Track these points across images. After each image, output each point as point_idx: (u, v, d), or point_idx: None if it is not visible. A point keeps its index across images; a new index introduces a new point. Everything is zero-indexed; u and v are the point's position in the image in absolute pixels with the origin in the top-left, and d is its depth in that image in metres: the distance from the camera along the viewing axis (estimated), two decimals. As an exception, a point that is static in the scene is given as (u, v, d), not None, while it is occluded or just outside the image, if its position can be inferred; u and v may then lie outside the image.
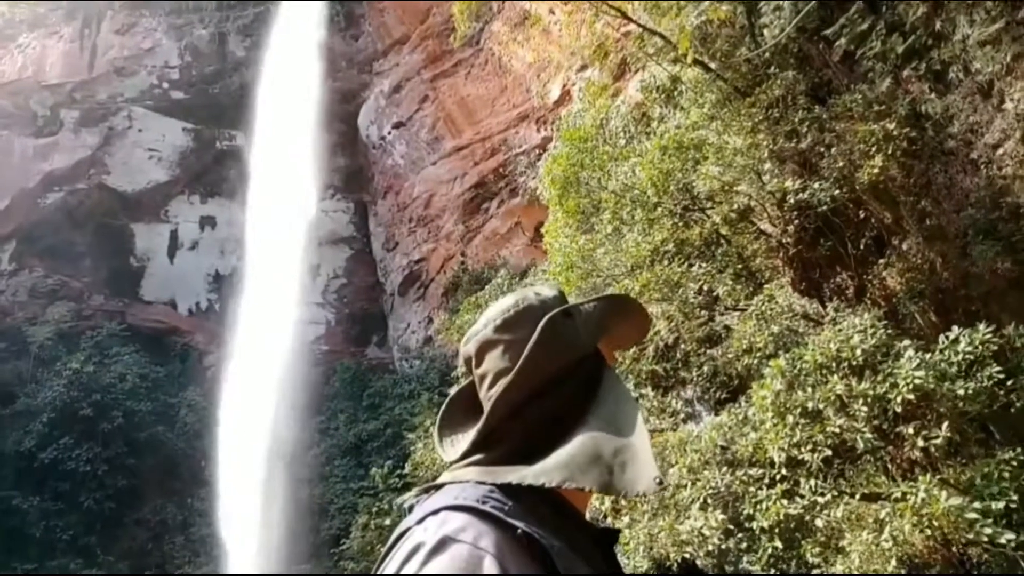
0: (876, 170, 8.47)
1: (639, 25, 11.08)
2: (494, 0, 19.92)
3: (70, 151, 30.92)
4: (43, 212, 29.94)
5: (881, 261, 9.66)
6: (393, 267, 31.38)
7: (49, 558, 21.81)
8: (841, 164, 8.94)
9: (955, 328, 7.34)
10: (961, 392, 7.18)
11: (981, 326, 7.11)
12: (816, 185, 8.70)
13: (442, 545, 0.98)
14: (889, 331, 7.68)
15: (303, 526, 21.99)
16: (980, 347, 7.15)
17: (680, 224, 10.34)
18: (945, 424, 6.85)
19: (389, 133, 30.91)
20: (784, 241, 9.80)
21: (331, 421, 26.89)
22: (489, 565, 0.95)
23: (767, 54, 9.94)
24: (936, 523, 5.98)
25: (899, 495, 6.52)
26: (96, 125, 31.62)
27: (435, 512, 1.06)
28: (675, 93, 11.97)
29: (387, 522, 20.15)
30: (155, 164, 31.99)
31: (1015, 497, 6.68)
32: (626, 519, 8.45)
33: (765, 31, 10.19)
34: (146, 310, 30.56)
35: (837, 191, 8.77)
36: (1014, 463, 6.78)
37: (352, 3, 32.43)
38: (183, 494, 23.52)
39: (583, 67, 17.57)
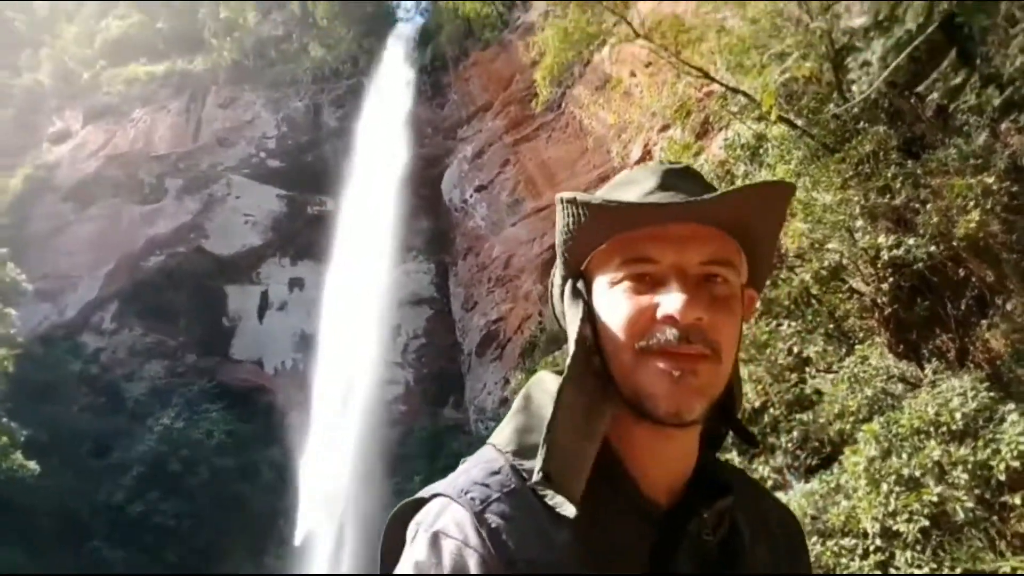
0: (974, 225, 8.10)
1: (722, 84, 11.09)
2: (576, 66, 20.37)
3: (173, 217, 32.86)
4: (144, 274, 31.68)
5: (984, 322, 9.13)
6: (471, 327, 31.63)
7: (133, 611, 22.28)
8: (937, 220, 8.58)
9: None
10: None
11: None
12: (911, 241, 8.36)
13: (434, 541, 0.93)
14: (992, 394, 7.25)
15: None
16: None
17: (767, 283, 10.06)
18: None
19: (471, 196, 31.65)
20: (879, 300, 9.39)
21: (406, 483, 26.82)
22: (475, 566, 0.89)
23: (856, 109, 9.75)
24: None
25: (1008, 570, 6.04)
26: (198, 192, 33.59)
27: (433, 496, 1.01)
28: (760, 151, 11.83)
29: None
30: (250, 229, 33.61)
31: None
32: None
33: (853, 87, 10.01)
34: (235, 368, 31.64)
35: (933, 247, 8.41)
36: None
37: (439, 73, 33.85)
38: (263, 552, 23.78)
39: (664, 127, 17.63)
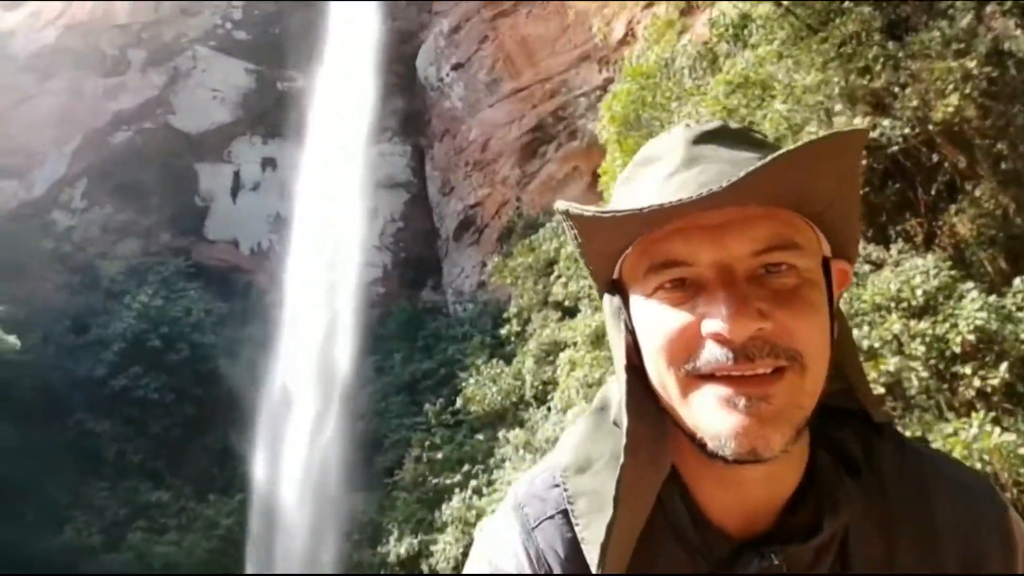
0: (951, 109, 8.18)
1: (708, -43, 10.73)
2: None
3: (137, 91, 31.64)
4: (112, 151, 30.81)
5: (952, 207, 9.37)
6: (448, 212, 31.56)
7: (121, 478, 23.13)
8: (915, 103, 8.64)
9: (1028, 273, 7.18)
10: (1024, 335, 7.07)
11: (1063, 270, 6.94)
12: (887, 123, 8.43)
13: (487, 553, 0.92)
14: (954, 273, 7.55)
15: (358, 457, 22.83)
16: (1057, 292, 7.02)
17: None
18: (1004, 365, 6.78)
19: (447, 75, 30.75)
20: (851, 183, 9.55)
21: (386, 360, 27.58)
22: None
23: (842, -12, 9.55)
24: (987, 458, 5.96)
25: (951, 431, 6.51)
26: (162, 65, 32.22)
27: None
28: (744, 31, 11.62)
29: (439, 455, 20.80)
30: (218, 105, 32.56)
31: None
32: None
33: (841, -36, 9.76)
34: (210, 248, 31.49)
35: (908, 130, 8.50)
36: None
37: (413, -62, 32.06)
38: (245, 424, 24.56)
39: (648, 3, 17.13)
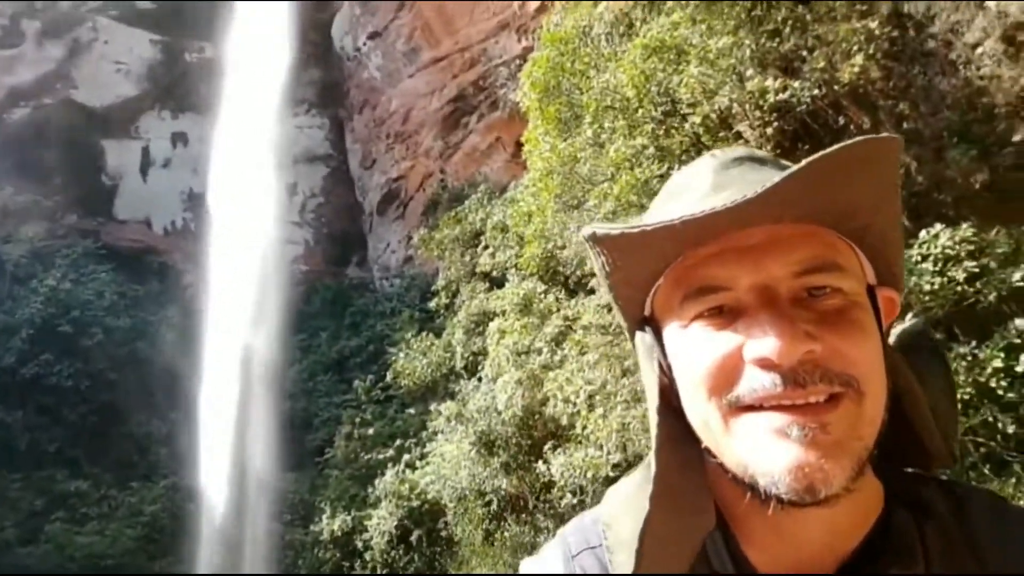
0: (857, 69, 8.47)
1: (622, -78, 10.76)
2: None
3: (34, 64, 29.99)
4: (10, 128, 29.19)
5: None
6: (371, 185, 31.07)
7: (36, 469, 22.23)
8: (822, 65, 8.92)
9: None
10: (928, 287, 7.45)
11: (964, 224, 7.30)
12: (796, 84, 8.69)
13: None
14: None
15: (287, 437, 22.49)
16: (959, 245, 7.37)
17: (661, 131, 10.31)
18: (908, 316, 7.07)
19: (364, 44, 30.07)
20: (762, 145, 9.83)
21: (313, 339, 27.19)
22: None
23: (752, -48, 9.72)
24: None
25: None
26: (60, 37, 30.53)
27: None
28: (658, -3, 11.73)
29: (370, 432, 20.71)
30: (123, 78, 31.10)
31: (970, 390, 7.02)
32: (599, 410, 8.73)
33: (749, -74, 9.93)
34: (121, 229, 30.27)
35: (817, 91, 8.77)
36: (968, 358, 7.11)
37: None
38: (166, 408, 23.90)
39: (564, -30, 17.06)
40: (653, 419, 0.79)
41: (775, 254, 0.72)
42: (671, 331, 0.79)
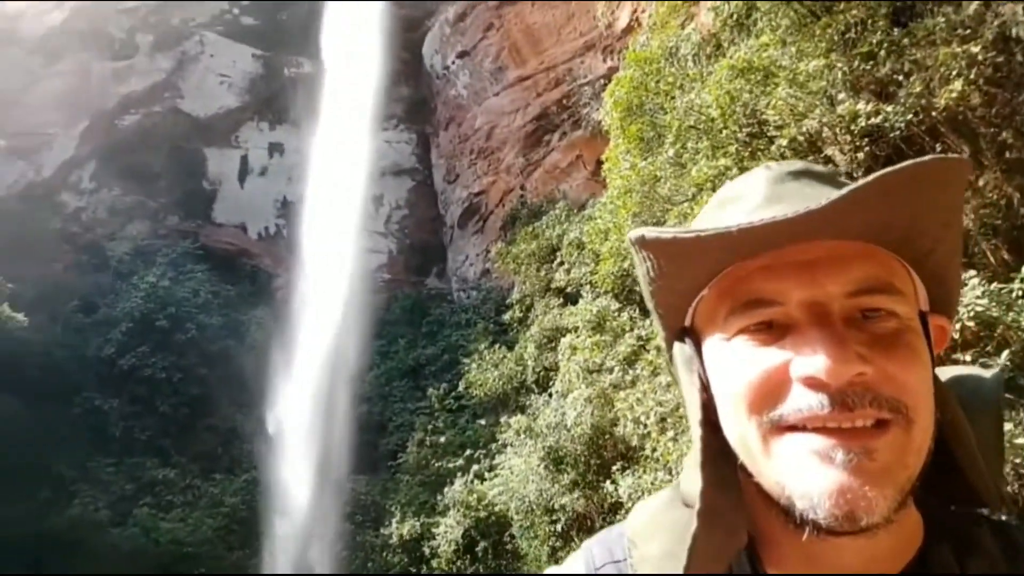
0: (955, 95, 8.18)
1: (713, -57, 10.74)
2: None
3: (145, 75, 31.83)
4: (120, 134, 31.01)
5: (955, 199, 9.37)
6: (453, 199, 31.64)
7: (128, 455, 23.32)
8: (918, 90, 8.65)
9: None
10: (1026, 322, 7.09)
11: (1066, 259, 6.96)
12: (890, 109, 8.45)
13: None
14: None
15: (362, 440, 23.02)
16: (1060, 281, 7.02)
17: (746, 153, 10.19)
18: (1005, 353, 6.72)
19: (453, 63, 30.79)
20: (852, 170, 9.59)
21: (391, 345, 27.77)
22: None
23: (847, -26, 9.54)
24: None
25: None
26: (170, 49, 32.41)
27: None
28: (748, 18, 11.63)
29: (442, 440, 20.97)
30: (226, 90, 32.73)
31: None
32: (670, 433, 8.58)
33: (846, -49, 9.75)
34: (218, 232, 31.72)
35: (912, 116, 8.51)
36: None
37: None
38: (251, 405, 24.75)
39: (654, -10, 17.11)
40: (696, 433, 0.76)
41: (831, 271, 0.70)
42: (713, 343, 0.76)
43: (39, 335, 22.94)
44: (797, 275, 0.70)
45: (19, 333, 21.36)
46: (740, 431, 0.72)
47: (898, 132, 8.75)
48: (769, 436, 0.69)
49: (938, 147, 9.49)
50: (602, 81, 22.82)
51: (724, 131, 9.92)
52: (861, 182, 0.64)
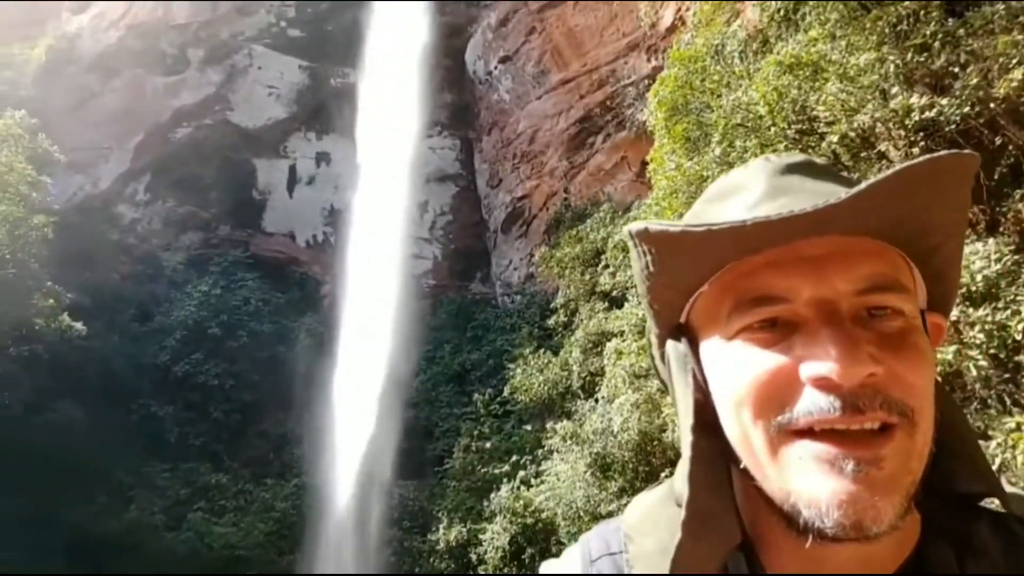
0: (1016, 84, 7.83)
1: (758, -62, 10.53)
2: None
3: (196, 88, 32.67)
4: (173, 146, 31.90)
5: (1017, 192, 9.00)
6: (496, 204, 31.68)
7: (183, 460, 23.93)
8: (975, 81, 8.31)
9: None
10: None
11: None
12: (945, 102, 8.14)
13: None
14: (1017, 258, 7.21)
15: (409, 445, 23.17)
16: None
17: (796, 150, 9.94)
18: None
19: (495, 68, 30.87)
20: (907, 166, 9.26)
21: (437, 351, 27.92)
22: None
23: (898, -35, 9.24)
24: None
25: (1014, 425, 6.23)
26: (220, 63, 33.23)
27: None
28: (796, 14, 11.36)
29: (488, 445, 20.95)
30: (274, 101, 33.40)
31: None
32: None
33: (897, -60, 9.45)
34: (268, 241, 32.36)
35: (968, 109, 8.18)
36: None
37: (461, -64, 32.27)
38: (301, 411, 25.15)
39: (697, -12, 16.88)
40: (686, 437, 0.75)
41: (840, 268, 0.68)
42: (712, 342, 0.74)
43: (97, 343, 23.67)
44: (806, 272, 0.68)
45: (78, 341, 22.08)
46: (744, 434, 0.70)
47: (954, 125, 8.43)
48: (776, 441, 0.67)
49: (997, 140, 9.13)
50: (646, 81, 22.58)
51: (772, 128, 9.68)
52: (880, 176, 0.62)
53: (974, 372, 6.71)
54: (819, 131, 9.87)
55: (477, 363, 26.01)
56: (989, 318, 6.73)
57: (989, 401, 6.93)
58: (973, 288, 7.00)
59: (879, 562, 0.72)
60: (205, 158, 31.80)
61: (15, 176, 21.01)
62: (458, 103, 33.80)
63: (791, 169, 0.75)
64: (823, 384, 0.65)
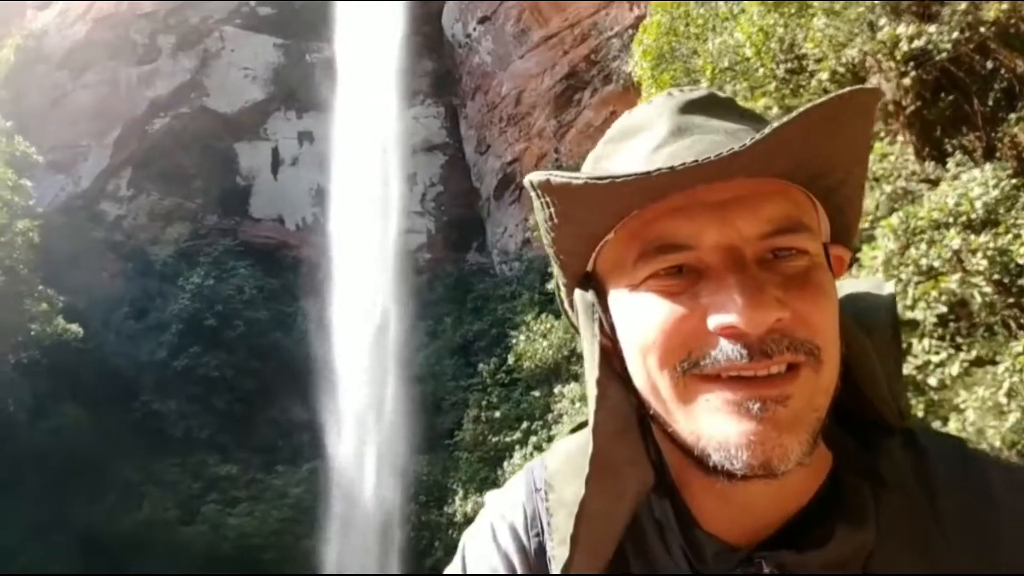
0: (1006, 5, 7.58)
1: None
2: None
3: (170, 77, 32.01)
4: (152, 138, 31.37)
5: (1012, 116, 8.79)
6: (487, 170, 31.28)
7: (190, 455, 23.95)
8: (964, 6, 8.05)
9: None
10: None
11: None
12: (933, 29, 7.88)
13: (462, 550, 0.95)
14: (1015, 182, 7.07)
15: (418, 420, 23.19)
16: None
17: (787, 90, 9.70)
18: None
19: (474, 30, 30.21)
20: (901, 97, 9.02)
21: (438, 324, 27.85)
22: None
23: None
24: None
25: (1020, 349, 6.15)
26: (192, 48, 32.51)
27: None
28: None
29: (497, 415, 20.96)
30: (250, 83, 32.76)
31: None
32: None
33: None
34: (256, 227, 32.01)
35: (959, 34, 7.93)
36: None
37: None
38: (306, 395, 25.14)
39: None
40: (592, 389, 0.74)
41: (745, 212, 0.67)
42: (619, 291, 0.73)
43: (94, 344, 23.56)
44: (710, 217, 0.67)
45: (75, 344, 21.98)
46: (651, 382, 0.70)
47: (945, 53, 8.19)
48: (684, 387, 0.68)
49: (989, 64, 8.89)
50: (630, 32, 22.06)
51: (761, 70, 9.43)
52: (785, 120, 0.61)
53: (979, 299, 6.64)
54: (808, 69, 9.61)
55: (479, 333, 25.92)
56: (991, 244, 6.65)
57: (996, 327, 6.87)
58: (973, 215, 6.91)
59: (790, 495, 0.74)
60: (185, 147, 31.30)
61: (-5, 182, 20.71)
62: (439, 70, 33.16)
63: (694, 106, 0.73)
64: (730, 333, 0.65)
